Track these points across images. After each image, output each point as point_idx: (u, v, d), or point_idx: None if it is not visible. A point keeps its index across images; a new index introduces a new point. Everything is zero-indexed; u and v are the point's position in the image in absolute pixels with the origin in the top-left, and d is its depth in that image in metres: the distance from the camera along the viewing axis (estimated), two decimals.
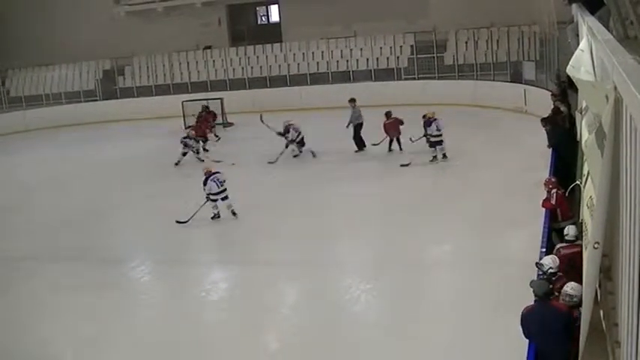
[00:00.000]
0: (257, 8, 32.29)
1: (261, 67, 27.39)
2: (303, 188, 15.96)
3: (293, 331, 9.62)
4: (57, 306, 10.90)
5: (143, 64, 29.51)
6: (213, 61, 28.34)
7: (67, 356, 9.81)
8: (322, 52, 26.77)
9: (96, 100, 29.14)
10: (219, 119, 23.96)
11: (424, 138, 16.55)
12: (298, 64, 26.99)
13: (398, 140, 17.47)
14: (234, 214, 14.01)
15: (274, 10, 31.24)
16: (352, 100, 18.47)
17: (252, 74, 27.38)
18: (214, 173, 14.00)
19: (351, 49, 26.25)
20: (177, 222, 13.81)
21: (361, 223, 13.26)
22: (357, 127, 18.17)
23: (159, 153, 20.82)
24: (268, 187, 16.17)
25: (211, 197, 13.88)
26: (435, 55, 24.43)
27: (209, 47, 28.88)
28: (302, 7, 27.50)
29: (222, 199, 14.00)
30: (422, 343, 8.67)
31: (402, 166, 16.32)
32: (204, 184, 13.81)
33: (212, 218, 14.04)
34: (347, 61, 26.04)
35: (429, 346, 8.54)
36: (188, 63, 28.72)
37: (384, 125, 17.35)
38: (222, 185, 13.91)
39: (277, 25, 30.23)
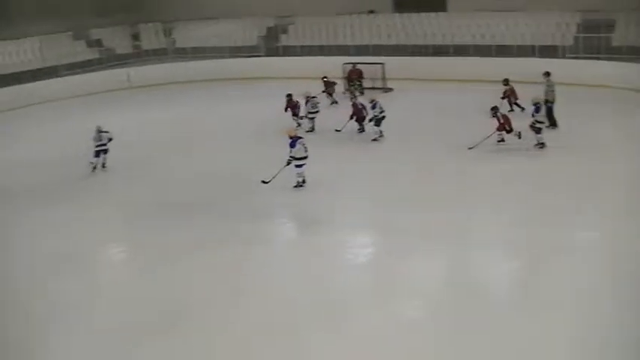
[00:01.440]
0: None
1: (425, 34, 30.11)
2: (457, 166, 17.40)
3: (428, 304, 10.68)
4: (204, 260, 12.56)
5: (307, 24, 33.20)
6: (377, 25, 31.40)
7: (219, 305, 10.99)
8: (487, 23, 29.20)
9: (259, 56, 33.12)
10: (380, 84, 27.39)
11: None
12: (462, 35, 29.42)
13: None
14: (303, 182, 15.61)
15: None
16: (547, 74, 19.87)
17: (414, 41, 30.24)
18: (299, 138, 15.38)
19: (515, 24, 28.55)
20: (263, 182, 15.55)
21: (504, 196, 14.84)
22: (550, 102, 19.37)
23: None
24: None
25: (295, 163, 15.31)
26: (601, 35, 26.36)
27: (372, 11, 32.22)
28: None
29: (301, 165, 15.41)
30: None
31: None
32: (292, 146, 15.18)
33: (295, 187, 15.60)
34: (510, 35, 28.29)
35: None
36: (351, 26, 32.04)
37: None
38: (306, 151, 15.31)
39: None
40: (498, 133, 18.15)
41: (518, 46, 27.88)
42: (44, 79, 30.52)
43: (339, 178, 16.65)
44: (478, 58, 28.03)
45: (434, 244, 12.60)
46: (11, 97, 28.40)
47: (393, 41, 30.57)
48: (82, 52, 33.68)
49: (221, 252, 12.75)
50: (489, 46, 28.42)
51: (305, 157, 15.42)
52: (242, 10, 33.91)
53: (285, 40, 33.13)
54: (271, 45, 33.15)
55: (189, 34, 35.62)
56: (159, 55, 35.35)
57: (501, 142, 18.25)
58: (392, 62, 27.83)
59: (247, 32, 34.37)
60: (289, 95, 21.36)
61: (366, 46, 30.74)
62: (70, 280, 12.13)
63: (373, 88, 26.56)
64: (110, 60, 34.02)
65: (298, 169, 15.52)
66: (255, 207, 15.03)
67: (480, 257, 12.10)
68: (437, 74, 27.50)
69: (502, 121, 18.04)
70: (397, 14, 31.85)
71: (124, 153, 19.23)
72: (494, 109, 18.35)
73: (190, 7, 35.39)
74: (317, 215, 14.51)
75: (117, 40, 35.46)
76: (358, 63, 27.14)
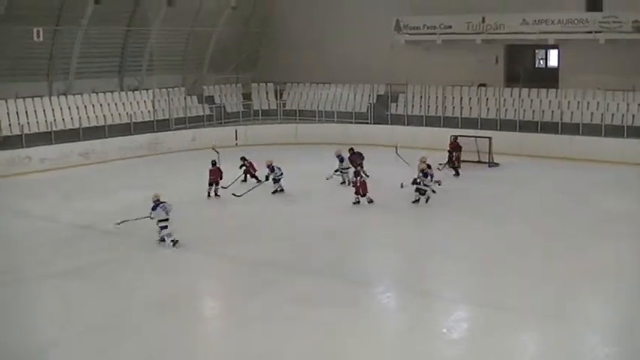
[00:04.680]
0: (536, 51, 38.13)
1: (533, 110, 32.47)
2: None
3: None
4: (295, 319, 13.71)
5: (417, 94, 36.01)
6: (487, 99, 33.97)
7: None
8: (597, 102, 31.35)
9: (367, 124, 36.45)
10: (486, 158, 29.67)
11: None
12: (572, 112, 31.61)
13: None
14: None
15: (553, 54, 36.91)
16: None
17: (523, 117, 32.59)
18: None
19: (628, 104, 30.67)
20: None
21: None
22: None
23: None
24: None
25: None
26: None
27: (484, 85, 34.83)
28: (581, 54, 32.35)
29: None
30: None
31: None
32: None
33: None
34: (622, 115, 30.35)
35: None
36: (461, 98, 34.69)
37: None
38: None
39: (555, 70, 35.53)
40: None
41: (630, 127, 29.98)
42: (157, 131, 34.57)
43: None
44: (587, 137, 30.42)
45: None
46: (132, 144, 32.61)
47: (501, 115, 33.12)
48: (194, 108, 37.36)
49: (316, 314, 14.03)
50: (599, 125, 30.59)
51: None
52: (354, 76, 37.33)
53: (394, 109, 36.14)
54: (381, 112, 36.18)
55: (299, 97, 39.35)
56: (268, 115, 38.80)
57: None
58: (499, 136, 30.43)
59: (357, 98, 37.71)
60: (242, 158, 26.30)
61: (475, 119, 33.44)
62: None
63: (479, 162, 29.23)
64: (220, 117, 37.59)
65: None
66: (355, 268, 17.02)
67: None
68: (545, 151, 30.27)
69: None
70: (508, 88, 34.47)
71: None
72: None
73: (303, 70, 39.13)
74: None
75: (228, 98, 39.09)
76: (465, 136, 29.73)
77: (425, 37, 36.08)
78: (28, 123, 30.97)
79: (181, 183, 25.94)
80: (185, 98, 37.58)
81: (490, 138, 29.67)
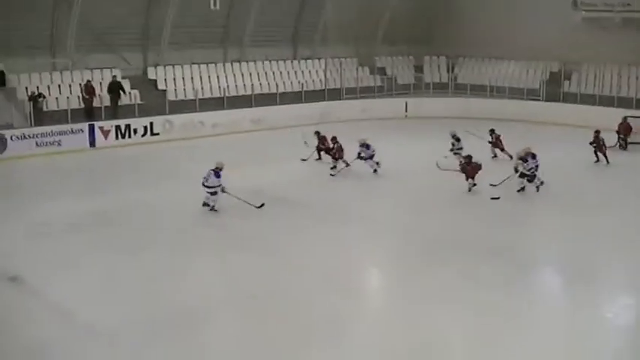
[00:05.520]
0: None
1: None
2: None
3: None
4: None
5: (591, 72, 35.63)
6: None
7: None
8: None
9: (538, 100, 36.21)
10: None
11: None
12: None
13: None
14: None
15: None
16: None
17: None
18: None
19: None
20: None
21: None
22: None
23: (577, 161, 25.96)
24: None
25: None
26: None
27: None
28: None
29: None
30: None
31: None
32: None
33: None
34: None
35: None
36: (637, 77, 34.03)
37: None
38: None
39: None
40: None
41: None
42: (328, 99, 35.94)
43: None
44: None
45: None
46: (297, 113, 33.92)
47: None
48: (365, 78, 38.41)
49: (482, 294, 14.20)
50: None
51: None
52: (528, 52, 37.15)
53: (566, 87, 35.70)
54: (553, 90, 35.88)
55: (471, 71, 39.68)
56: (439, 88, 39.37)
57: None
58: None
59: (530, 75, 37.64)
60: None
61: None
62: None
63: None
64: (391, 89, 38.49)
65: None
66: None
67: None
68: None
69: None
70: None
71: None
72: None
73: (477, 45, 39.22)
74: None
75: (400, 70, 39.89)
76: (636, 117, 29.12)
77: (603, 14, 35.36)
78: (202, 88, 33.08)
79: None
80: (357, 69, 38.63)
81: None
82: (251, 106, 33.50)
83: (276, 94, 34.63)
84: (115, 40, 31.86)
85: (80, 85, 30.04)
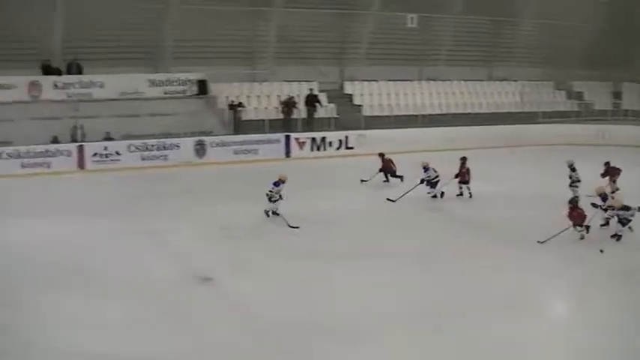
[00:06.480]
0: None
1: None
2: None
3: None
4: None
5: None
6: None
7: None
8: None
9: None
10: None
11: None
12: None
13: None
14: None
15: None
16: None
17: None
18: None
19: None
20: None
21: None
22: None
23: None
24: None
25: None
26: None
27: None
28: None
29: None
30: None
31: None
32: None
33: None
34: None
35: None
36: None
37: None
38: None
39: None
40: None
41: None
42: (523, 123, 34.64)
43: None
44: None
45: None
46: (490, 135, 32.78)
47: None
48: (561, 103, 37.15)
49: None
50: None
51: None
52: None
53: None
54: None
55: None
56: (638, 116, 37.29)
57: None
58: None
59: None
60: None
61: None
62: None
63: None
64: (587, 114, 36.98)
65: None
66: None
67: None
68: None
69: None
70: None
71: None
72: None
73: None
74: None
75: (597, 96, 38.37)
76: None
77: None
78: (397, 105, 32.74)
79: (536, 178, 25.22)
80: (552, 92, 37.36)
81: None
82: (445, 125, 32.78)
83: (469, 114, 33.88)
84: (313, 54, 32.31)
85: (279, 97, 30.63)
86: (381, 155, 24.75)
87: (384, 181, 24.45)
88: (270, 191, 18.89)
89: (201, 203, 20.89)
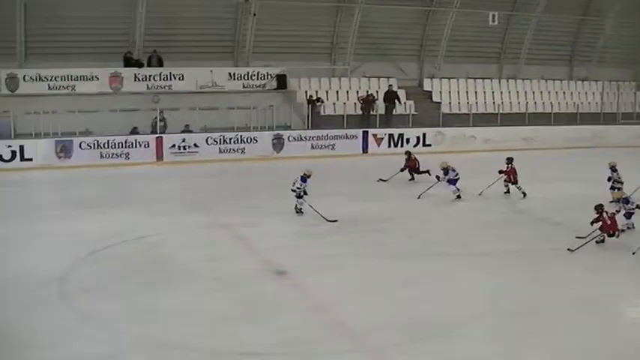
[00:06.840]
0: None
1: None
2: None
3: None
4: None
5: None
6: None
7: None
8: None
9: None
10: None
11: None
12: None
13: None
14: None
15: None
16: None
17: None
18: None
19: None
20: None
21: None
22: None
23: None
24: None
25: None
26: None
27: None
28: None
29: None
30: None
31: None
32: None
33: None
34: None
35: None
36: None
37: None
38: None
39: None
40: None
41: None
42: (603, 123, 33.92)
43: None
44: None
45: None
46: (570, 135, 32.16)
47: None
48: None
49: None
50: None
51: None
52: None
53: None
54: None
55: None
56: None
57: None
58: None
59: None
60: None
61: None
62: None
63: None
64: None
65: None
66: None
67: None
68: None
69: None
70: None
71: None
72: None
73: None
74: None
75: None
76: None
77: None
78: (476, 103, 32.31)
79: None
80: (635, 93, 36.53)
81: None
82: (524, 124, 32.16)
83: (549, 113, 33.12)
84: (392, 50, 32.22)
85: (357, 93, 30.47)
86: (408, 154, 24.19)
87: (410, 179, 23.68)
88: (299, 187, 18.43)
89: (281, 196, 20.54)
